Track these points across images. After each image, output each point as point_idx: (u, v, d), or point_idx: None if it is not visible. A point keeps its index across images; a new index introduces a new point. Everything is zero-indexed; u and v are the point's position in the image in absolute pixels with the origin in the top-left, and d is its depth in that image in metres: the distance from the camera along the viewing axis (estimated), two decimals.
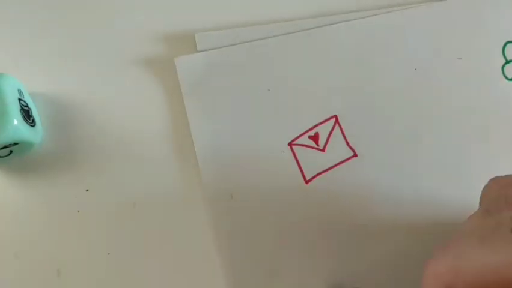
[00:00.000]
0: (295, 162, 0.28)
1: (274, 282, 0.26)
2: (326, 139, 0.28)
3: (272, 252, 0.27)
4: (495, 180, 0.20)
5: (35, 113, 0.27)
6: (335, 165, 0.28)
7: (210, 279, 0.26)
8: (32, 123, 0.26)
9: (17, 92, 0.26)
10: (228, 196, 0.27)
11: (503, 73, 0.29)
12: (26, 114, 0.26)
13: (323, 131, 0.28)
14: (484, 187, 0.21)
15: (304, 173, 0.28)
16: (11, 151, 0.26)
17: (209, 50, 0.29)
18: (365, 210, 0.27)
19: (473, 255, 0.17)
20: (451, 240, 0.19)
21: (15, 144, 0.25)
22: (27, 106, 0.26)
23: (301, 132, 0.28)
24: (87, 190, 0.28)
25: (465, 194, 0.27)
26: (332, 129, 0.28)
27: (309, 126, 0.28)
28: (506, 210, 0.18)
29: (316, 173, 0.28)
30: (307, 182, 0.28)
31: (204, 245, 0.27)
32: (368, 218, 0.27)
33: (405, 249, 0.26)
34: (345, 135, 0.28)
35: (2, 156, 0.26)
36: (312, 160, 0.28)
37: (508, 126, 0.28)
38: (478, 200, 0.21)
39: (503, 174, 0.27)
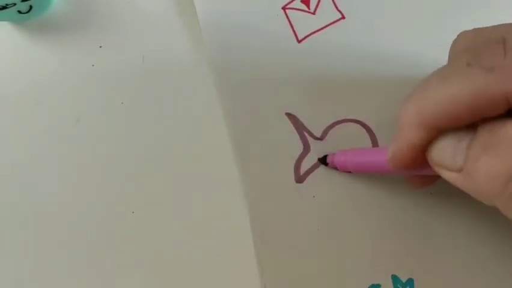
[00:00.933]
0: (288, 24, 0.31)
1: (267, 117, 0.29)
2: (316, 3, 0.31)
3: (270, 99, 0.30)
4: (462, 34, 0.21)
5: None
6: (325, 27, 0.31)
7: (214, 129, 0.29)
8: None
9: None
10: (228, 50, 0.30)
11: None
12: None
13: None
14: (452, 42, 0.21)
15: (297, 34, 0.30)
16: (31, 6, 0.29)
17: None
18: (351, 66, 0.30)
19: (433, 93, 0.18)
20: (417, 86, 0.20)
21: None
22: None
23: None
24: (100, 47, 0.30)
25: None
26: None
27: None
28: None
29: (307, 34, 0.31)
30: (299, 41, 0.30)
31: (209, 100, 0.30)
32: (353, 73, 0.30)
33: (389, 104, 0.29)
34: None
35: (24, 13, 0.29)
36: (304, 22, 0.31)
37: None
38: None
39: None
